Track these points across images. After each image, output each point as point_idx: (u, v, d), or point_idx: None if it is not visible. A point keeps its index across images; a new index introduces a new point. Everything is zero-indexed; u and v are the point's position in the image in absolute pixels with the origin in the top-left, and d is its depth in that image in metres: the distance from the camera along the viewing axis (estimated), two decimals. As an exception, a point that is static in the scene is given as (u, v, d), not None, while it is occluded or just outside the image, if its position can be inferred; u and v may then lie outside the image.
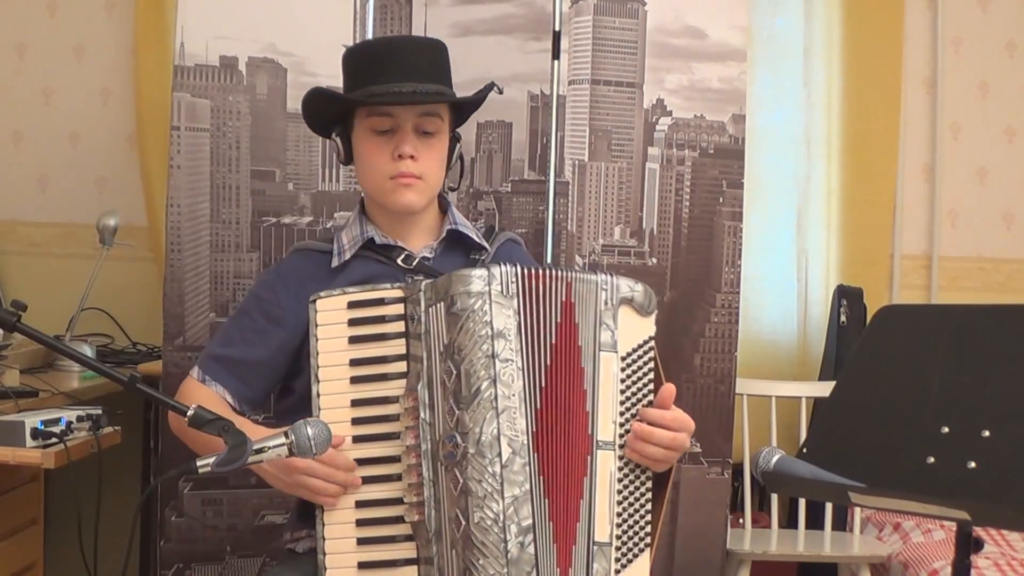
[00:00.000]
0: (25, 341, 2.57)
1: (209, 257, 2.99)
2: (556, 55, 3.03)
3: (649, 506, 1.94)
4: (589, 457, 1.90)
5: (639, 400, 1.94)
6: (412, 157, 2.08)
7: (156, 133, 3.62)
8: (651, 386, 1.95)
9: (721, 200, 3.11)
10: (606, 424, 1.91)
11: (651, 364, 1.95)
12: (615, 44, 3.06)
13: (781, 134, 3.89)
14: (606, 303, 1.93)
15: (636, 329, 1.94)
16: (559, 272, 1.93)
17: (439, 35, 2.88)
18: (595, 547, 1.88)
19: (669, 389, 1.94)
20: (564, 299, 1.91)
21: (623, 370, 1.93)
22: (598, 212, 3.08)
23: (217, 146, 2.99)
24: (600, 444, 1.90)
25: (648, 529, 1.94)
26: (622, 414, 1.92)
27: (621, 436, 1.92)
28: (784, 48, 3.89)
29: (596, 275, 1.95)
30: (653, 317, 1.96)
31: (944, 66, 3.90)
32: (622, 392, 1.93)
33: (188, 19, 2.97)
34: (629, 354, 1.94)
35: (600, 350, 1.92)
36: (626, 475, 1.93)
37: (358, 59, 2.15)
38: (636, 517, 1.93)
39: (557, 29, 3.03)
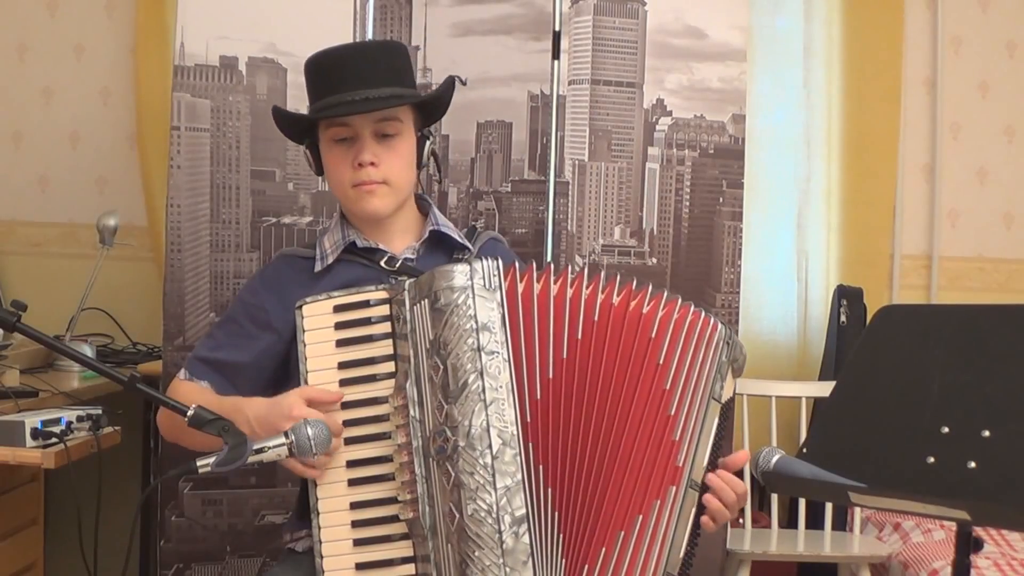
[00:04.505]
0: (25, 341, 2.57)
1: (209, 257, 2.99)
2: (556, 55, 3.03)
3: (694, 549, 1.95)
4: (674, 487, 1.89)
5: (715, 453, 1.95)
6: (372, 164, 2.07)
7: (156, 133, 3.62)
8: (722, 443, 1.96)
9: (721, 200, 3.11)
10: (699, 466, 1.92)
11: (726, 423, 1.96)
12: (615, 44, 3.06)
13: (781, 134, 3.89)
14: (725, 356, 1.96)
15: (728, 387, 1.97)
16: (643, 287, 1.93)
17: (439, 35, 2.88)
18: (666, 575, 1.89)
19: (744, 456, 1.97)
20: (620, 303, 1.91)
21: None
22: (598, 212, 3.08)
23: (217, 146, 2.99)
24: (691, 483, 1.91)
25: (689, 571, 1.96)
26: (708, 466, 1.93)
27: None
28: (784, 48, 3.89)
29: (722, 325, 1.97)
30: (736, 381, 1.99)
31: (944, 66, 3.90)
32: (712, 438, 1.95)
33: (188, 19, 2.97)
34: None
35: (711, 398, 1.93)
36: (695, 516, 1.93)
37: (314, 71, 2.14)
38: (689, 557, 1.94)
39: (557, 29, 3.03)
